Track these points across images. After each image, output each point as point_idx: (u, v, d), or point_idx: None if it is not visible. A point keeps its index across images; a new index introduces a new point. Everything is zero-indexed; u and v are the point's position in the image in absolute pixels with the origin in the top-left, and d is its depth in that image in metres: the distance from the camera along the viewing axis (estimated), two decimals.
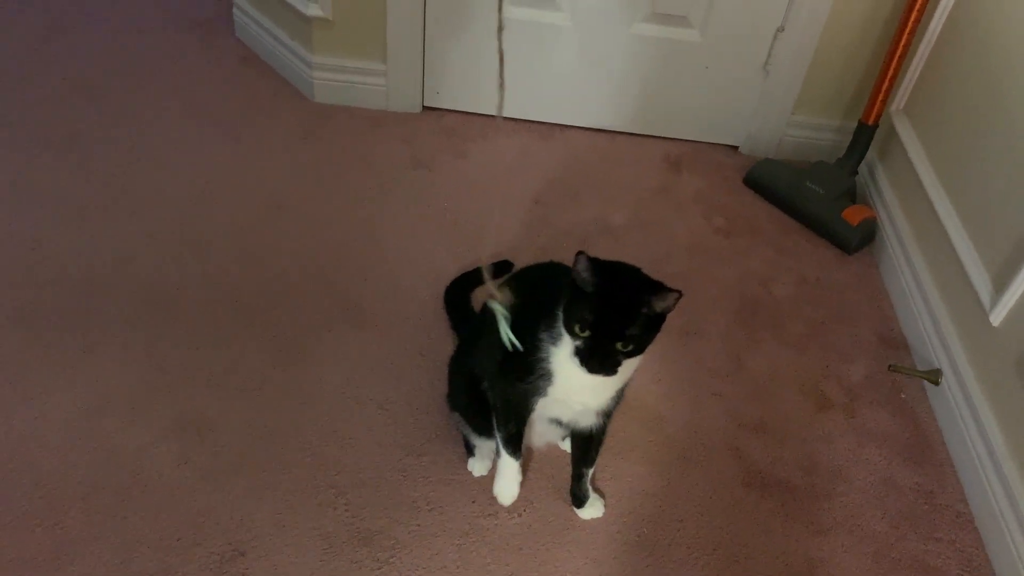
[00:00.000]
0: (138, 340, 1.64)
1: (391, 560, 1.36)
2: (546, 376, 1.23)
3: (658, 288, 1.14)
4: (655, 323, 1.16)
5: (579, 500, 1.45)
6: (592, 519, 1.45)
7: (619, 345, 1.14)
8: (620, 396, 1.32)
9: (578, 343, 1.15)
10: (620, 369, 1.16)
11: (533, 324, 1.24)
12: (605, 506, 1.46)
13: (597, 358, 1.14)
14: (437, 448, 1.52)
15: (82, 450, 1.45)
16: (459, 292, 1.76)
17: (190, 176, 2.03)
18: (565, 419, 1.37)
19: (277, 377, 1.61)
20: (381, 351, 1.68)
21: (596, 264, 1.14)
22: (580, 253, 1.13)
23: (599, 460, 1.52)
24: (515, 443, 1.36)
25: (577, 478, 1.43)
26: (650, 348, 1.79)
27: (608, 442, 1.57)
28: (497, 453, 1.41)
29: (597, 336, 1.14)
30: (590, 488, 1.44)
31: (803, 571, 1.43)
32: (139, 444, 1.47)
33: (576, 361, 1.15)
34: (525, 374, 1.25)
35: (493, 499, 1.45)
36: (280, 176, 2.06)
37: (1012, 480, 1.45)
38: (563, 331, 1.18)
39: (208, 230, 1.89)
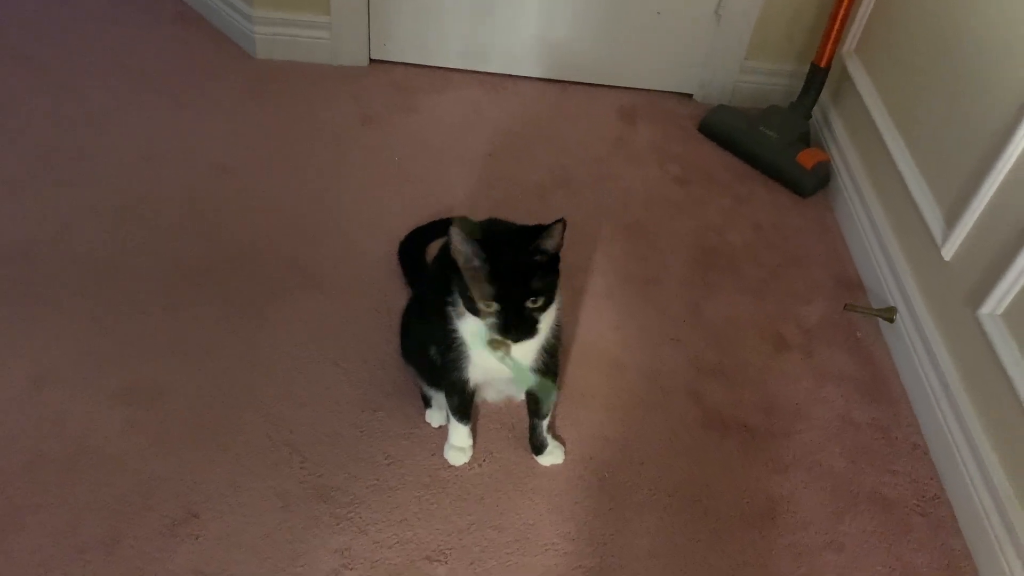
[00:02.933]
0: (82, 309, 1.58)
1: (350, 516, 1.33)
2: (464, 346, 1.22)
3: (541, 228, 1.12)
4: (552, 265, 1.14)
5: (538, 448, 1.43)
6: (552, 465, 1.44)
7: (529, 303, 1.11)
8: (553, 353, 1.29)
9: (490, 319, 1.12)
10: (539, 326, 1.14)
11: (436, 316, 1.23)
12: (566, 453, 1.45)
13: (514, 325, 1.12)
14: (394, 403, 1.50)
15: (25, 419, 1.40)
16: (413, 246, 1.72)
17: (129, 141, 1.95)
18: (500, 385, 1.38)
19: (228, 341, 1.56)
20: (334, 310, 1.64)
21: (471, 232, 1.09)
22: (452, 226, 1.08)
23: (559, 409, 1.51)
24: (463, 410, 1.36)
25: (532, 428, 1.42)
26: (609, 296, 1.78)
27: (568, 390, 1.56)
28: (447, 417, 1.40)
29: (505, 303, 1.11)
30: (548, 436, 1.43)
31: (764, 508, 1.43)
32: (85, 412, 1.42)
33: (496, 337, 1.13)
34: (447, 349, 1.24)
35: None
36: (224, 138, 1.99)
37: (965, 410, 1.47)
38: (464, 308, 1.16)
39: (151, 197, 1.82)
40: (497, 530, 1.35)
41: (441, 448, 1.43)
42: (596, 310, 1.72)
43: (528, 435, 1.44)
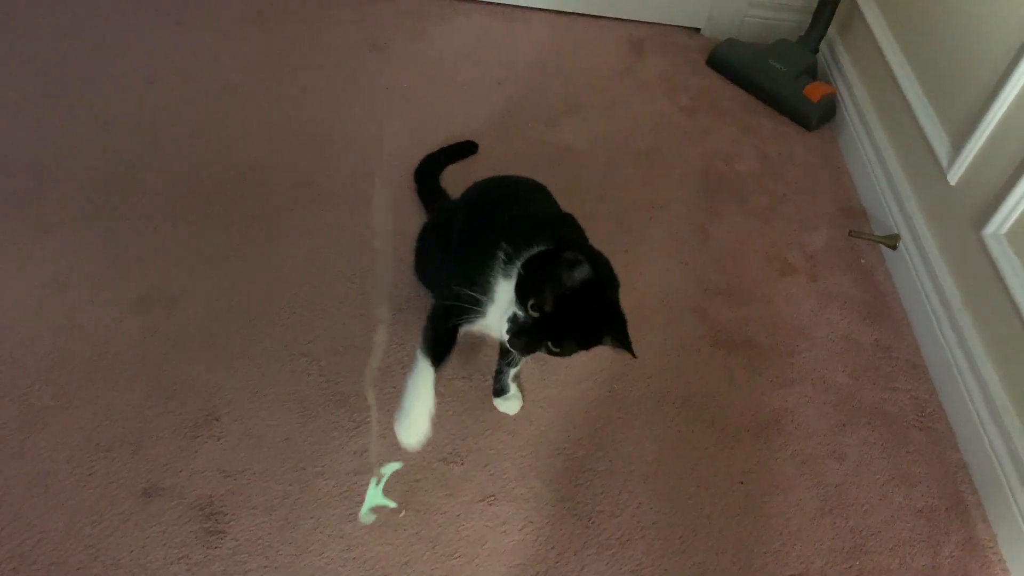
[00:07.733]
0: (94, 221, 1.59)
1: (368, 420, 1.37)
2: (477, 315, 1.16)
3: (615, 333, 1.09)
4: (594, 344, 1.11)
5: (499, 391, 1.41)
6: (505, 413, 1.41)
7: (550, 344, 1.09)
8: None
9: (519, 315, 1.08)
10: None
11: (481, 258, 1.16)
12: (522, 406, 1.42)
13: (523, 343, 1.08)
14: (408, 317, 1.52)
15: (44, 325, 1.42)
16: (428, 171, 1.74)
17: (134, 59, 1.94)
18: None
19: (240, 254, 1.58)
20: (345, 229, 1.65)
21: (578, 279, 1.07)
22: (577, 259, 1.05)
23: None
24: (438, 351, 1.18)
25: (499, 372, 1.40)
26: (617, 219, 1.79)
27: None
28: (414, 359, 1.19)
29: (537, 330, 1.07)
30: (511, 384, 1.40)
31: (769, 420, 1.47)
32: (104, 318, 1.44)
33: (505, 325, 1.09)
34: (461, 312, 1.16)
35: (466, 362, 1.46)
36: (231, 58, 1.99)
37: (966, 328, 1.51)
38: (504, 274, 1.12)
39: (159, 114, 1.82)
40: (511, 435, 1.38)
41: (453, 359, 1.42)
42: (605, 233, 1.73)
43: (493, 377, 1.42)
